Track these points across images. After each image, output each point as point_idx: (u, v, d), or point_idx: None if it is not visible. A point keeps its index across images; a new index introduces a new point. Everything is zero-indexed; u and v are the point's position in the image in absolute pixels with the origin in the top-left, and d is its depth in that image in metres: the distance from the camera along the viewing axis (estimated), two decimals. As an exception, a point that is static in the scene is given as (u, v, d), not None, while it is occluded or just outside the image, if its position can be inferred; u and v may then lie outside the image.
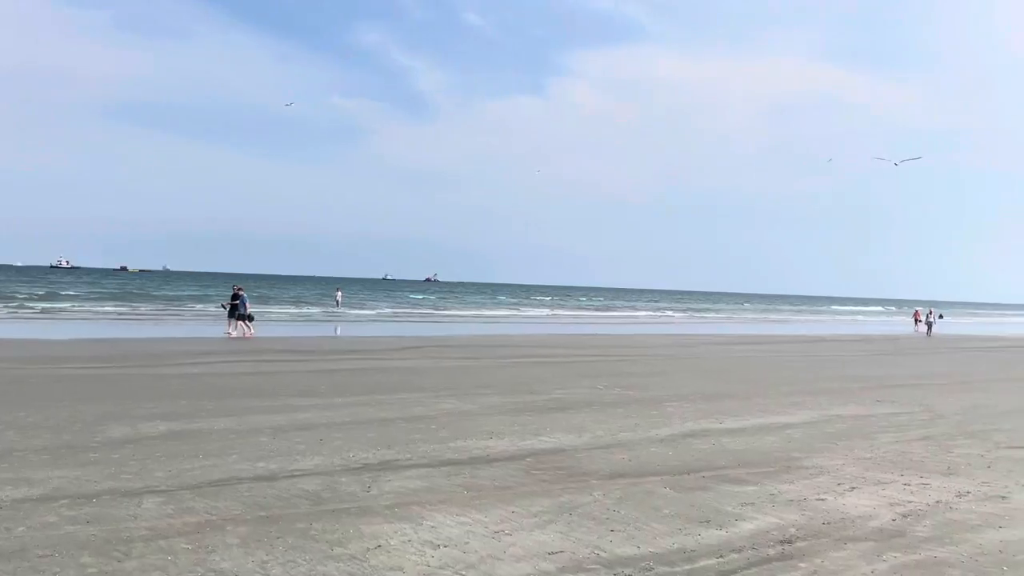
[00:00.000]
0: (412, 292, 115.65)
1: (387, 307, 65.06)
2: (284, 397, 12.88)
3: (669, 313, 77.18)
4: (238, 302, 26.91)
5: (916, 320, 52.16)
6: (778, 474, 7.88)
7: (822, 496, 6.94)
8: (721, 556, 5.18)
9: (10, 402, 11.49)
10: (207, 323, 36.90)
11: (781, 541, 5.52)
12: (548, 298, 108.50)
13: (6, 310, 42.75)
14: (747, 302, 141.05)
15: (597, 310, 78.89)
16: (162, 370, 16.23)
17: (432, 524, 5.94)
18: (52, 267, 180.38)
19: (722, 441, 9.73)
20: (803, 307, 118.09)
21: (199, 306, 53.44)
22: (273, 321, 41.69)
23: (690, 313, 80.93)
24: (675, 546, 5.45)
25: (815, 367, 21.18)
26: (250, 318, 27.02)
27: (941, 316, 53.29)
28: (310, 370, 17.06)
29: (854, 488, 7.26)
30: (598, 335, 35.28)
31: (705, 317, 72.41)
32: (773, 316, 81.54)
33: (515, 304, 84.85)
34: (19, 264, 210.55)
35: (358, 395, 13.33)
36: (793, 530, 5.82)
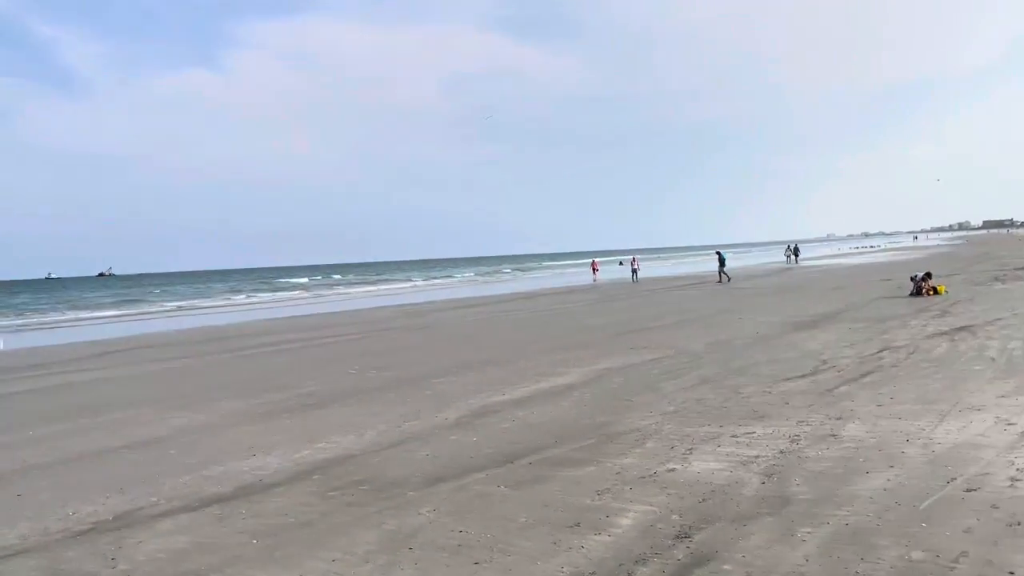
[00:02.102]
0: (86, 291, 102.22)
1: (56, 310, 56.29)
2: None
3: (366, 288, 76.26)
4: None
5: (594, 270, 55.83)
6: (603, 446, 7.13)
7: (669, 466, 6.27)
8: (631, 575, 4.18)
9: None
10: None
11: (678, 537, 4.66)
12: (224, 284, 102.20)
13: None
14: (437, 267, 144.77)
15: (296, 290, 75.57)
16: None
17: (233, 605, 4.24)
18: None
19: (518, 415, 8.85)
20: (484, 267, 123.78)
21: None
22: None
23: (386, 285, 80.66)
24: (566, 570, 4.35)
25: (551, 322, 21.40)
26: None
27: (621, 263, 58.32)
28: (-25, 398, 13.41)
29: (691, 450, 6.71)
30: (315, 315, 33.12)
31: (405, 287, 72.52)
32: (454, 280, 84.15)
33: (210, 291, 78.58)
34: None
35: (54, 423, 10.53)
36: (676, 517, 5.01)
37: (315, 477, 6.86)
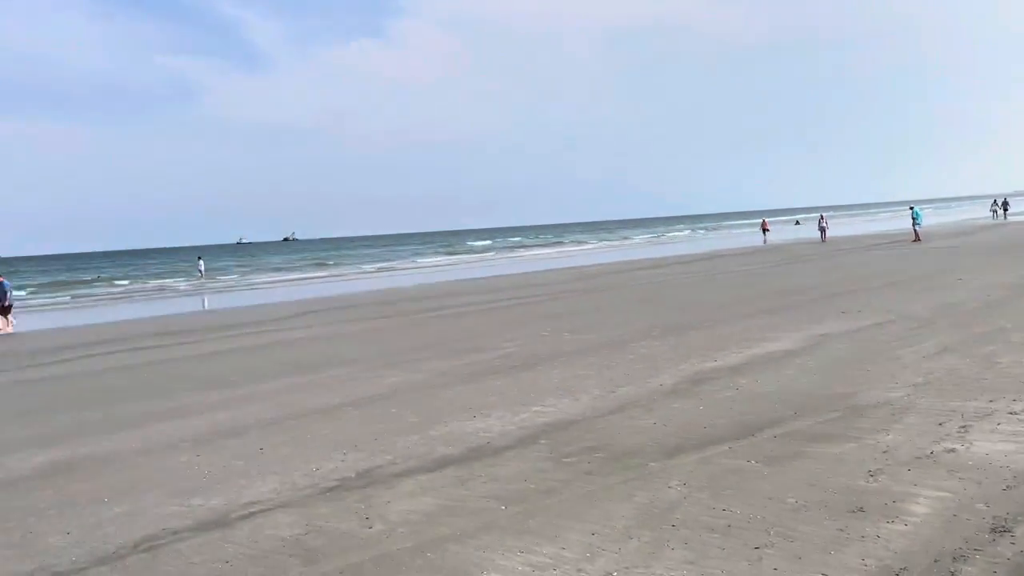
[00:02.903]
0: (272, 255, 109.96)
1: (254, 272, 60.80)
2: (186, 393, 10.49)
3: (536, 251, 76.80)
4: None
5: (764, 230, 52.32)
6: (853, 420, 6.50)
7: (945, 445, 5.58)
8: (954, 574, 3.64)
9: None
10: (62, 311, 32.58)
11: (994, 530, 4.05)
12: (427, 247, 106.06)
13: None
14: (602, 230, 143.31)
15: (479, 253, 77.43)
16: (18, 375, 13.23)
17: (502, 576, 4.09)
18: None
19: (740, 383, 8.31)
20: (658, 229, 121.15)
21: (21, 293, 47.68)
22: (134, 299, 37.47)
23: (560, 248, 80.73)
24: (869, 563, 3.86)
25: (742, 284, 20.42)
26: (7, 310, 22.19)
27: (798, 223, 54.94)
28: (201, 354, 14.48)
29: (965, 428, 5.96)
30: (495, 277, 33.63)
31: (580, 250, 72.32)
32: (637, 241, 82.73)
33: (389, 255, 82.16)
34: None
35: (276, 378, 11.08)
36: (983, 507, 4.38)
37: (542, 442, 6.69)
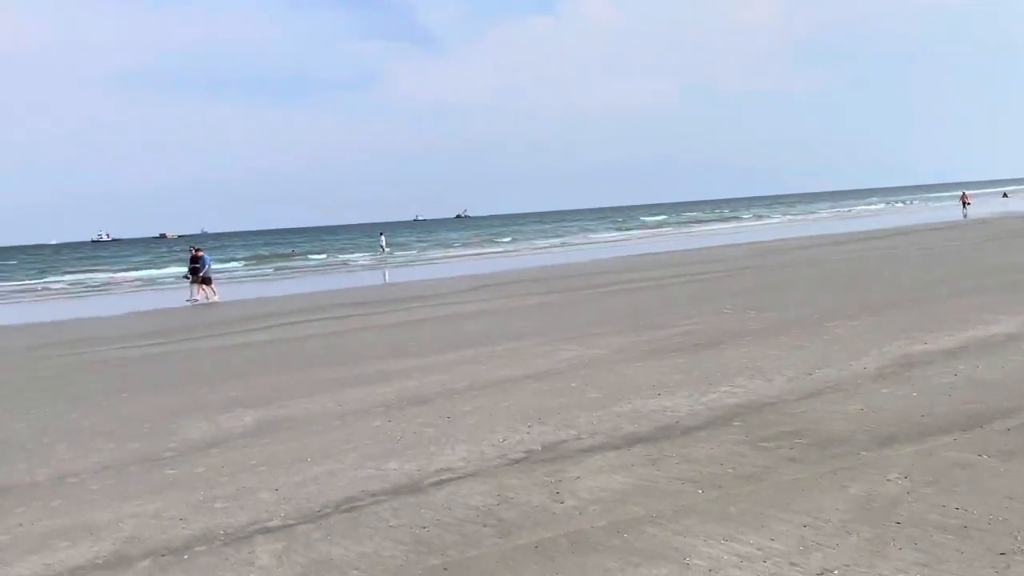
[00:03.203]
0: (448, 230, 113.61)
1: (431, 247, 63.07)
2: (374, 360, 10.92)
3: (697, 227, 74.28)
4: (198, 265, 24.49)
5: (964, 203, 48.42)
6: (1106, 415, 5.66)
7: None
8: None
9: (60, 399, 9.65)
10: (264, 282, 35.31)
11: None
12: (598, 222, 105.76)
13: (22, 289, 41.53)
14: (778, 204, 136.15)
15: (647, 228, 76.22)
16: (226, 340, 14.37)
17: (709, 567, 3.85)
18: (94, 241, 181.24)
19: (958, 368, 7.50)
20: (847, 203, 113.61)
21: (233, 264, 51.93)
22: (326, 272, 39.97)
23: (736, 223, 77.75)
24: None
25: (948, 260, 18.68)
26: (208, 281, 24.48)
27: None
28: (385, 324, 15.09)
29: None
30: (668, 252, 32.84)
31: (760, 224, 69.33)
32: (820, 216, 78.00)
33: (560, 231, 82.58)
34: (54, 242, 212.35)
35: (456, 349, 11.30)
36: None
37: (736, 424, 6.33)
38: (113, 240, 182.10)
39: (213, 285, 24.48)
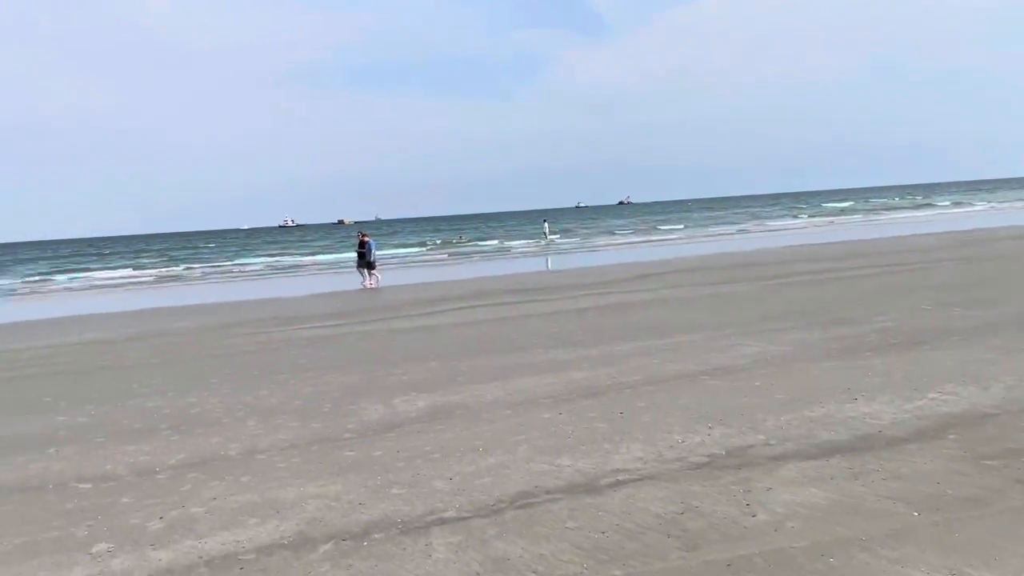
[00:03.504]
0: (611, 217, 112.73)
1: (594, 234, 62.72)
2: (539, 349, 10.79)
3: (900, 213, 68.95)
4: (365, 250, 25.09)
5: None
6: None
7: None
8: None
9: (249, 376, 10.22)
10: (433, 267, 36.43)
11: None
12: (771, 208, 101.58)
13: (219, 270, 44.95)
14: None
15: (828, 216, 71.99)
16: (396, 324, 14.79)
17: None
18: (280, 227, 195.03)
19: None
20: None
21: (403, 251, 53.91)
22: (488, 258, 40.71)
23: (931, 210, 71.79)
24: None
25: None
26: (372, 266, 25.10)
27: None
28: (549, 312, 14.95)
29: None
30: (855, 241, 30.69)
31: (955, 212, 63.70)
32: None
33: (732, 218, 79.86)
34: (246, 227, 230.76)
35: (625, 340, 10.96)
36: None
37: (950, 436, 5.63)
38: (297, 226, 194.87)
39: (376, 271, 25.33)
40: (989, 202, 72.59)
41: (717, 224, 66.97)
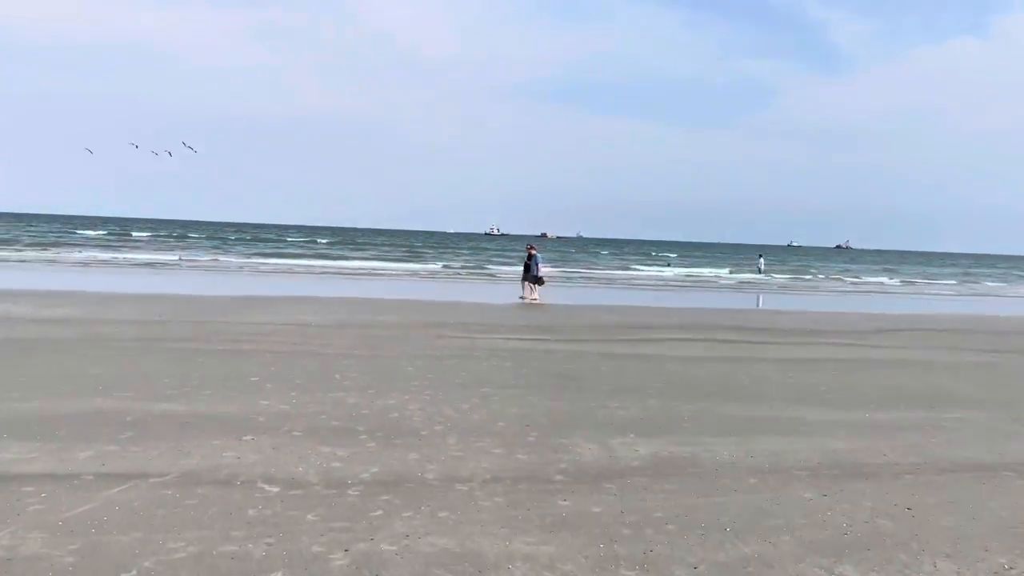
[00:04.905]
0: (825, 260, 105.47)
1: (810, 275, 58.43)
2: (778, 402, 9.24)
3: None
4: (531, 262, 23.88)
5: None
6: None
7: None
8: None
9: (451, 383, 9.44)
10: (630, 290, 35.14)
11: None
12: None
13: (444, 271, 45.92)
14: None
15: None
16: (604, 347, 13.63)
17: None
18: (486, 234, 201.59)
19: None
20: None
21: (610, 271, 52.75)
22: (695, 287, 38.67)
23: None
24: None
25: None
26: (540, 281, 23.96)
27: None
28: (780, 358, 13.17)
29: None
30: None
31: None
32: None
33: (980, 276, 71.97)
34: (451, 231, 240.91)
35: (881, 407, 9.15)
36: None
37: None
38: (502, 234, 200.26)
39: (540, 286, 24.32)
40: None
41: (959, 279, 60.11)
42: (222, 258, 48.21)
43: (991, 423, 8.51)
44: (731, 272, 55.97)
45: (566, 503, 5.43)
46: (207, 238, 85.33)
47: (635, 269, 57.42)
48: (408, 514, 5.10)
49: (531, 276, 24.39)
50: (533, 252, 24.71)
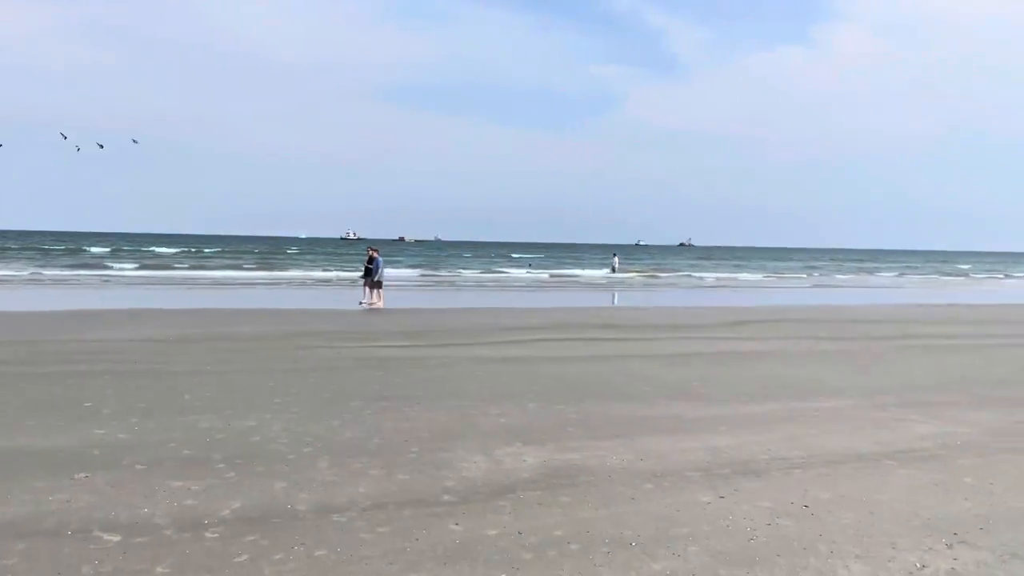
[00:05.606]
0: (672, 257, 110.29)
1: (664, 273, 60.69)
2: (657, 399, 9.15)
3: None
4: (372, 266, 23.15)
5: None
6: None
7: None
8: None
9: (319, 399, 8.71)
10: (497, 292, 35.00)
11: None
12: (822, 263, 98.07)
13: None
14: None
15: (958, 276, 68.70)
16: (478, 351, 13.22)
17: None
18: (342, 238, 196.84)
19: None
20: None
21: (467, 272, 52.59)
22: (558, 288, 39.09)
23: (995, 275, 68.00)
24: None
25: None
26: (379, 285, 23.24)
27: None
28: (650, 354, 13.22)
29: None
30: (974, 305, 28.25)
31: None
32: None
33: (808, 269, 77.06)
34: (303, 235, 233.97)
35: (758, 400, 9.24)
36: None
37: None
38: (358, 239, 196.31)
39: (381, 291, 23.48)
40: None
41: (795, 272, 64.25)
42: (45, 272, 43.90)
43: (859, 411, 8.72)
44: (584, 270, 57.14)
45: (458, 527, 4.93)
46: (21, 248, 77.94)
47: (499, 271, 57.53)
48: (279, 556, 4.43)
49: (371, 280, 23.48)
50: (375, 255, 23.61)
